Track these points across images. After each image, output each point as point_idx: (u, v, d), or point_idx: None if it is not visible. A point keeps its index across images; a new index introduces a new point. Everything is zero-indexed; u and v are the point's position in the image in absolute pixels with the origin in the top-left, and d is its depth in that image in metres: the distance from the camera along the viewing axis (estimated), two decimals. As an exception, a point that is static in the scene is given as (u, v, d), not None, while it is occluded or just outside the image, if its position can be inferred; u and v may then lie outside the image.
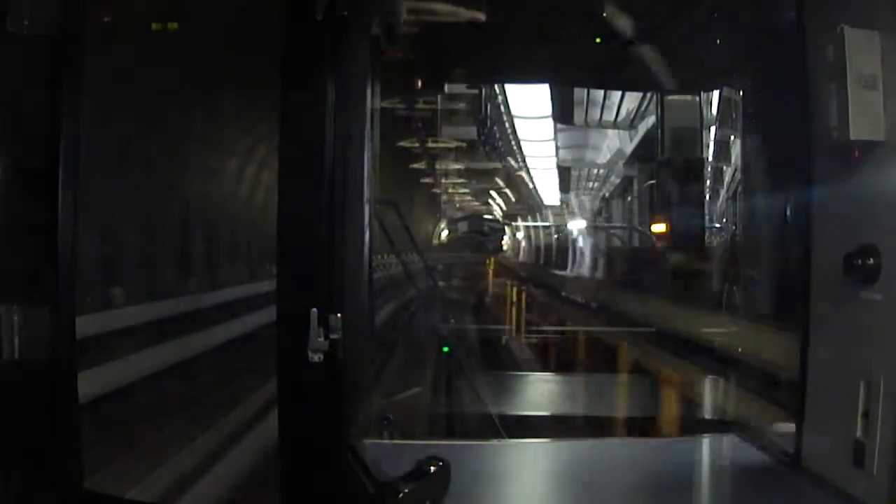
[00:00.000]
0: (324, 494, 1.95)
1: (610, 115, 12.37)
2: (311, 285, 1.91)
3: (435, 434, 6.05)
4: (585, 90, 11.08)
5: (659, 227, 11.30)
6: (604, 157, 15.27)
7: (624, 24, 4.35)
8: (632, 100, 11.48)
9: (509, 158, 17.07)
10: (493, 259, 19.82)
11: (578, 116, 12.41)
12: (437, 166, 21.92)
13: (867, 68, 2.12)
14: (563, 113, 12.28)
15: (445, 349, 7.64)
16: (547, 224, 22.08)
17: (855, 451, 2.19)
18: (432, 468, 1.93)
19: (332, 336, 1.88)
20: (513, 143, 15.20)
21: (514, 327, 11.75)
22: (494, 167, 19.91)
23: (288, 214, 1.95)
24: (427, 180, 23.51)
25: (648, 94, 9.73)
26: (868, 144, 2.15)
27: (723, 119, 7.39)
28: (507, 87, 11.23)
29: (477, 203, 26.93)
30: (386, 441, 2.98)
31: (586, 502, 2.59)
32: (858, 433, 2.19)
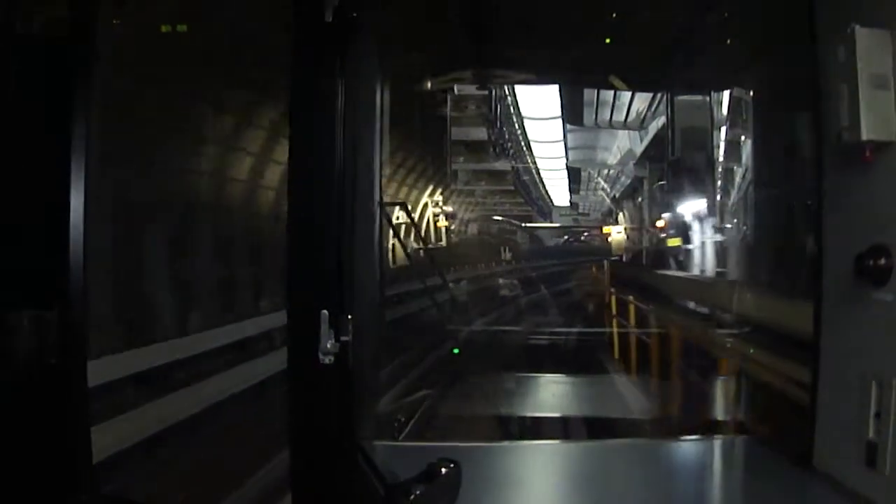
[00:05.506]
0: (334, 496, 1.95)
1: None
2: (322, 287, 1.91)
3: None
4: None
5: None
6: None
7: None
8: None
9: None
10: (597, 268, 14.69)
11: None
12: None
13: (879, 68, 2.11)
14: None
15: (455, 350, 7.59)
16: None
17: (867, 451, 2.18)
18: (443, 470, 1.92)
19: (343, 338, 1.88)
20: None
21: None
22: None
23: (298, 216, 1.95)
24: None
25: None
26: (880, 145, 2.13)
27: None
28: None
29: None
30: (396, 443, 2.97)
31: (600, 503, 2.58)
32: (871, 433, 2.18)
